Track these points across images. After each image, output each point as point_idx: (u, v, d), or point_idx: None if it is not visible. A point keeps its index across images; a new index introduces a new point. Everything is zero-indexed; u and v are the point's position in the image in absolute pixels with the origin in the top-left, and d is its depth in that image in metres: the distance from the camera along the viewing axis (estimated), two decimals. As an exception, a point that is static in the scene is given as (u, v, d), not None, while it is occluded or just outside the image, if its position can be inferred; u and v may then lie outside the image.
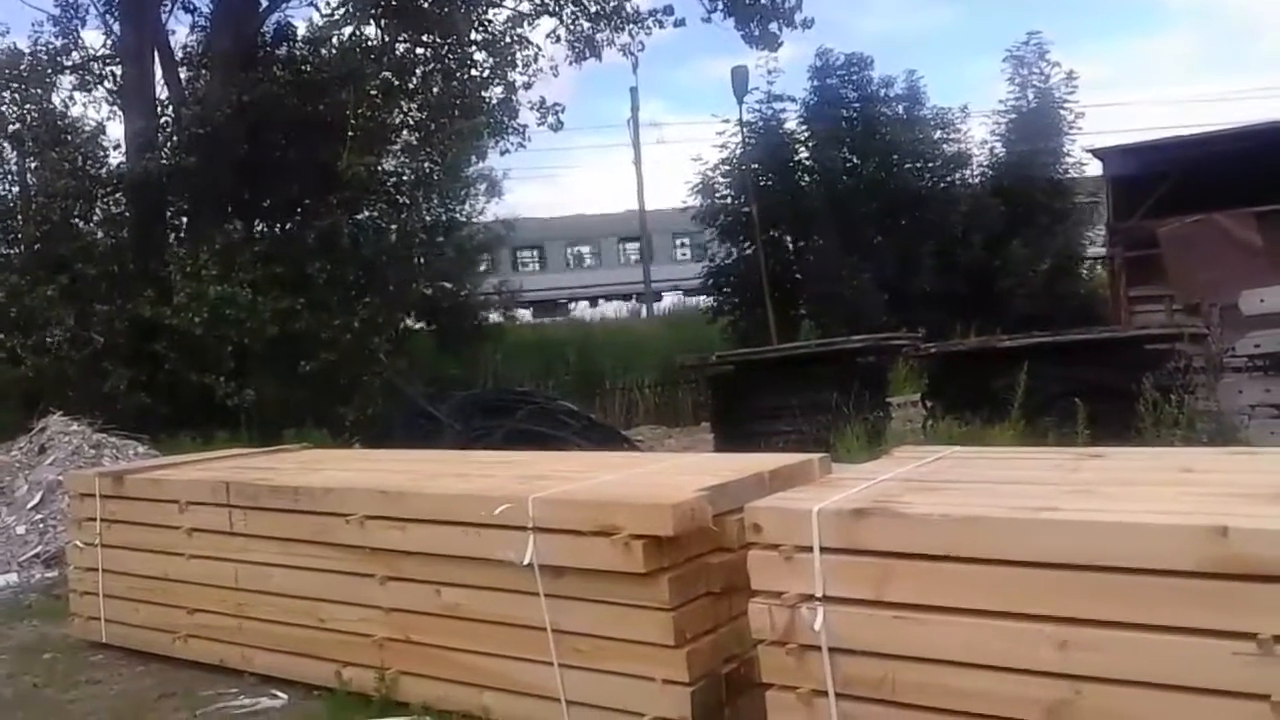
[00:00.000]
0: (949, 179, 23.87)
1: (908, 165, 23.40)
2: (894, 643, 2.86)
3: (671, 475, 4.12)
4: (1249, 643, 2.37)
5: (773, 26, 17.51)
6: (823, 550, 2.96)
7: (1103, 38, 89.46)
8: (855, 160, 23.48)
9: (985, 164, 24.23)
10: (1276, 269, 12.35)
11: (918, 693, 2.84)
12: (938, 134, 24.16)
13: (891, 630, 2.86)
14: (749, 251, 22.35)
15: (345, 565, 4.31)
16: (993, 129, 24.16)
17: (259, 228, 16.35)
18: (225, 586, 4.82)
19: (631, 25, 17.88)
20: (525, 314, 31.65)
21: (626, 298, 37.30)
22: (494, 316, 23.60)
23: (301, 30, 16.99)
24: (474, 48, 16.81)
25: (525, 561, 3.64)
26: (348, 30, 15.70)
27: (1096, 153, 20.05)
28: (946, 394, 10.15)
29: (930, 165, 23.77)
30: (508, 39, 17.03)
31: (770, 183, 22.94)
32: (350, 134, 14.43)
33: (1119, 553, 2.55)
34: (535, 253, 39.34)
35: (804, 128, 24.01)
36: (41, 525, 8.11)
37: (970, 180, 24.15)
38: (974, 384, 9.49)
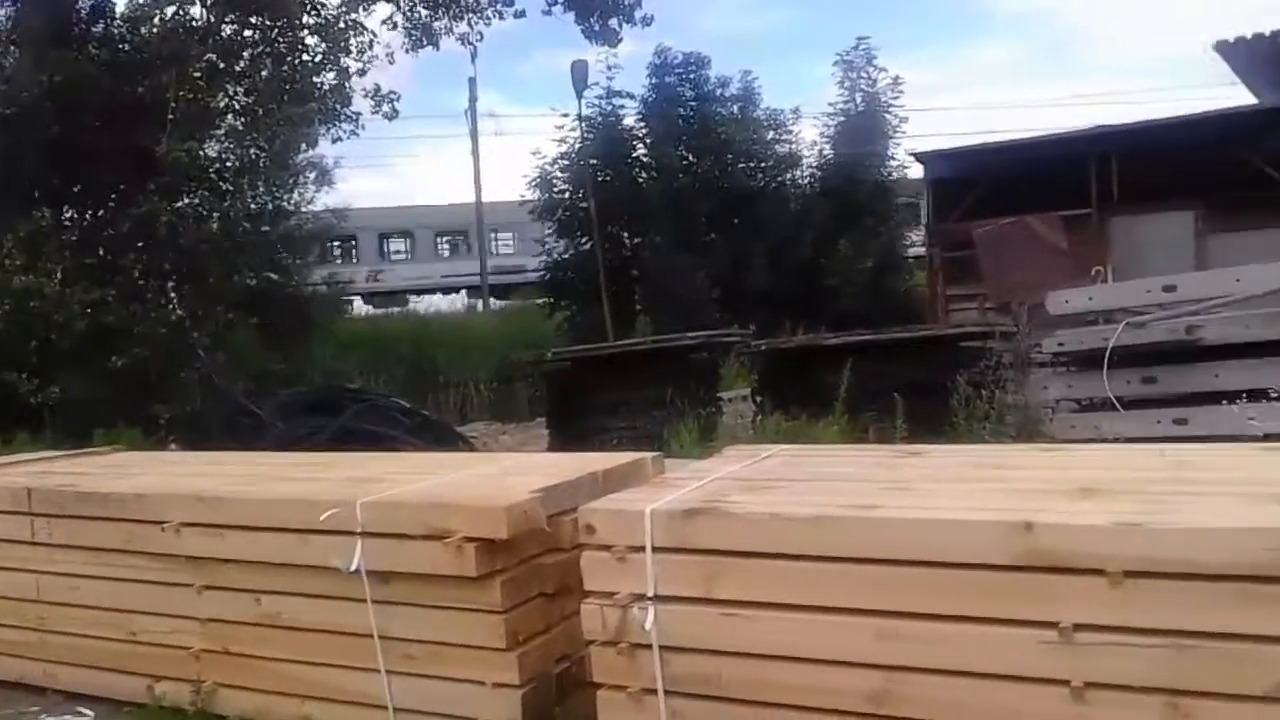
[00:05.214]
0: (780, 179, 24.50)
1: (741, 165, 23.92)
2: (722, 639, 2.91)
3: (504, 476, 4.07)
4: (1051, 631, 2.51)
5: (613, 22, 17.57)
6: (655, 550, 2.98)
7: (929, 44, 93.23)
8: (692, 158, 23.84)
9: (815, 165, 24.93)
10: (1080, 271, 13.13)
11: (745, 687, 2.90)
12: (770, 134, 24.77)
13: (720, 627, 2.91)
14: (586, 247, 22.41)
15: (159, 575, 4.11)
16: (822, 131, 24.87)
17: (69, 215, 15.38)
18: (26, 599, 4.54)
19: (471, 15, 17.62)
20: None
21: (446, 291, 36.80)
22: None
23: (121, 7, 16.09)
24: (305, 31, 16.26)
25: (352, 568, 3.54)
26: (170, 9, 15.03)
27: (918, 156, 20.86)
28: (775, 389, 10.40)
29: (763, 165, 24.35)
30: (341, 24, 16.53)
31: (608, 179, 23.07)
32: (171, 117, 13.80)
33: (934, 548, 2.66)
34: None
35: (642, 125, 24.25)
36: None
37: (800, 181, 24.83)
38: (801, 380, 9.79)
